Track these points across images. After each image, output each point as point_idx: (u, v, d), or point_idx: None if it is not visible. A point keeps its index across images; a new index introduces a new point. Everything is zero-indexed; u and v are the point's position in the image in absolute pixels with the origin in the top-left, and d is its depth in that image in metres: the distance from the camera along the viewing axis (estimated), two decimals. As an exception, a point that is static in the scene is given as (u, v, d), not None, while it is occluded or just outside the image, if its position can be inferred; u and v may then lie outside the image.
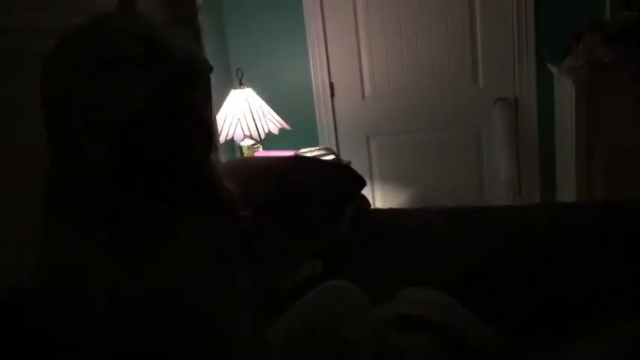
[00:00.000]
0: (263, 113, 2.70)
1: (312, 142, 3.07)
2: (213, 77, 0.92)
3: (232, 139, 2.68)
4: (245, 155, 2.82)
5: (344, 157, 2.99)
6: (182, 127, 0.85)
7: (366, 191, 3.19)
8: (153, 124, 0.81)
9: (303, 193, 1.68)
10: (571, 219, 1.85)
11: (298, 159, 2.20)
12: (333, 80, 3.10)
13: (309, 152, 2.75)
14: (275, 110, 2.78)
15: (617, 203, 1.90)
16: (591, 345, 1.24)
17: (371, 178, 3.17)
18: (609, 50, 2.38)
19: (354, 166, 2.51)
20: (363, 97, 3.11)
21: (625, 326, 1.29)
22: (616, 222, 1.75)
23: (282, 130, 2.74)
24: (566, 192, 2.70)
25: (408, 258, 1.75)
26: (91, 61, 0.78)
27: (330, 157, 2.72)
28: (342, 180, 1.98)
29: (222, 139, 2.62)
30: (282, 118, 2.77)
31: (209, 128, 0.92)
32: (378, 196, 3.21)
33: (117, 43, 0.78)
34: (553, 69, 2.70)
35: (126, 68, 0.78)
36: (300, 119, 3.02)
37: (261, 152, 2.81)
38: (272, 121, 2.71)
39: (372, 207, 2.31)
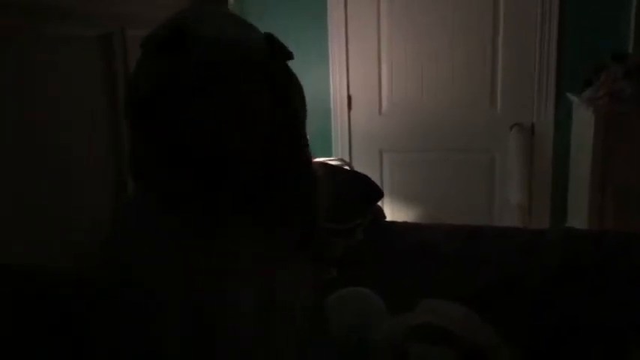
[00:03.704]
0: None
1: (327, 153, 3.07)
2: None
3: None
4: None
5: (357, 170, 2.99)
6: (205, 117, 0.82)
7: (376, 205, 3.17)
8: (168, 106, 0.81)
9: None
10: (585, 245, 1.85)
11: (324, 165, 2.20)
12: (351, 93, 3.12)
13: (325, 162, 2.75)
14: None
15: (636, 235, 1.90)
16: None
17: (381, 193, 3.17)
18: (631, 83, 2.40)
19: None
20: (380, 112, 3.12)
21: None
22: (635, 253, 1.74)
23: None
24: (577, 222, 2.70)
25: (422, 270, 1.74)
26: (143, 48, 0.84)
27: (345, 168, 2.73)
28: (361, 189, 1.98)
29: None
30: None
31: (264, 129, 0.85)
32: (387, 211, 3.20)
33: (156, 32, 0.81)
34: (573, 98, 2.72)
35: (154, 54, 0.82)
36: (315, 128, 3.01)
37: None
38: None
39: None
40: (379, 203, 3.15)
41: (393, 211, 3.20)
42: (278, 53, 0.86)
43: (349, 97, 3.12)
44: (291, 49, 0.90)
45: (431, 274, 1.73)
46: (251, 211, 0.91)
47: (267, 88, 0.84)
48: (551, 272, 1.68)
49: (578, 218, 2.68)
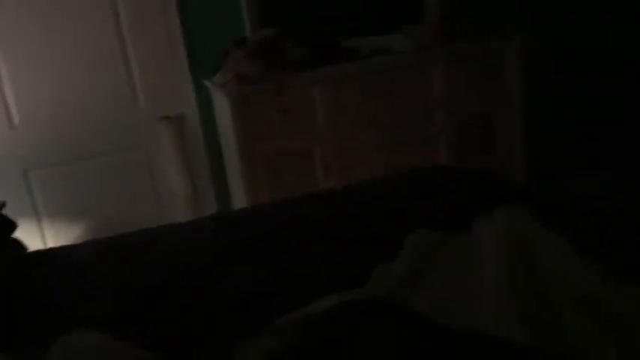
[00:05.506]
0: None
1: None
2: None
3: None
4: None
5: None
6: None
7: (33, 232, 2.87)
8: None
9: None
10: (230, 227, 1.92)
11: None
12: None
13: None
14: None
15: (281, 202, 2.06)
16: (252, 344, 1.29)
17: (37, 216, 2.84)
18: (251, 65, 2.57)
19: (12, 205, 2.21)
20: (11, 126, 2.75)
21: (281, 322, 1.36)
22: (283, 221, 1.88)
23: None
24: (239, 199, 2.84)
25: (68, 299, 1.58)
26: None
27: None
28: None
29: None
30: None
31: None
32: (50, 236, 2.90)
33: None
34: (208, 84, 2.80)
35: None
36: None
37: None
38: None
39: (32, 249, 2.04)
40: (34, 230, 2.85)
41: (57, 234, 2.91)
42: None
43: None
44: None
45: (79, 301, 1.58)
46: None
47: None
48: (204, 265, 1.69)
49: (240, 195, 2.82)
